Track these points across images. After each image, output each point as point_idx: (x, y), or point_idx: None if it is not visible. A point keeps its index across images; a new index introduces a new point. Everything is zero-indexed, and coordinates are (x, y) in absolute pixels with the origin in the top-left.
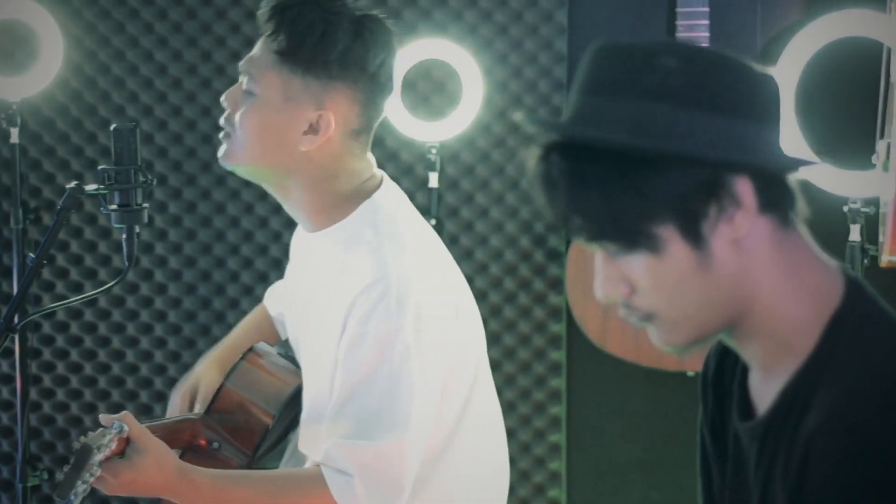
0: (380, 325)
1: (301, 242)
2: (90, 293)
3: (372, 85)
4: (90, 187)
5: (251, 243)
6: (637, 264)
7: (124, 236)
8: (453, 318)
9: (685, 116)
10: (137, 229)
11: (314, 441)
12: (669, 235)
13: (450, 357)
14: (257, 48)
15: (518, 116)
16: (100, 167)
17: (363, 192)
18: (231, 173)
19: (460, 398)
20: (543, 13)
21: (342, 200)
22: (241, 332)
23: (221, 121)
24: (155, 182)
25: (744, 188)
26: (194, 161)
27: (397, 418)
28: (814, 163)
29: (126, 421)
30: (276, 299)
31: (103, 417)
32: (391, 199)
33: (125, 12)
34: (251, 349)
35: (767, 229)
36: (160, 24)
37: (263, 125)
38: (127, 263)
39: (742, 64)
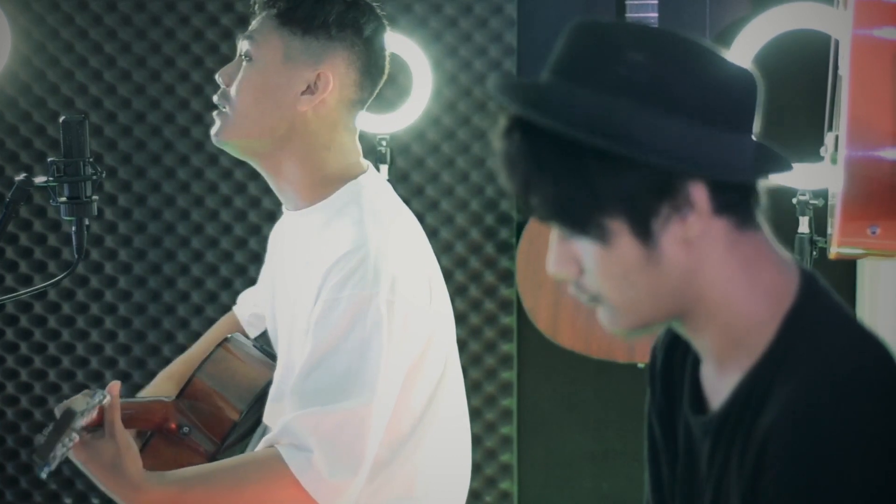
0: (354, 292)
1: (282, 228)
2: (40, 286)
3: (368, 52)
4: (39, 179)
5: (201, 236)
6: (586, 249)
7: (74, 229)
8: (426, 301)
9: (644, 116)
10: (87, 222)
11: (280, 413)
12: (618, 229)
13: (420, 339)
14: (255, 19)
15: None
16: (49, 159)
17: (349, 174)
18: (181, 165)
19: (430, 384)
20: (493, 6)
21: (330, 178)
22: (202, 347)
23: (215, 98)
24: (104, 174)
25: (698, 192)
26: (144, 153)
27: (363, 384)
28: (769, 174)
29: (112, 393)
30: (247, 302)
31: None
32: (376, 183)
33: (74, 4)
34: (227, 339)
35: (722, 230)
36: (109, 15)
37: (262, 87)
38: (77, 256)
39: (718, 63)
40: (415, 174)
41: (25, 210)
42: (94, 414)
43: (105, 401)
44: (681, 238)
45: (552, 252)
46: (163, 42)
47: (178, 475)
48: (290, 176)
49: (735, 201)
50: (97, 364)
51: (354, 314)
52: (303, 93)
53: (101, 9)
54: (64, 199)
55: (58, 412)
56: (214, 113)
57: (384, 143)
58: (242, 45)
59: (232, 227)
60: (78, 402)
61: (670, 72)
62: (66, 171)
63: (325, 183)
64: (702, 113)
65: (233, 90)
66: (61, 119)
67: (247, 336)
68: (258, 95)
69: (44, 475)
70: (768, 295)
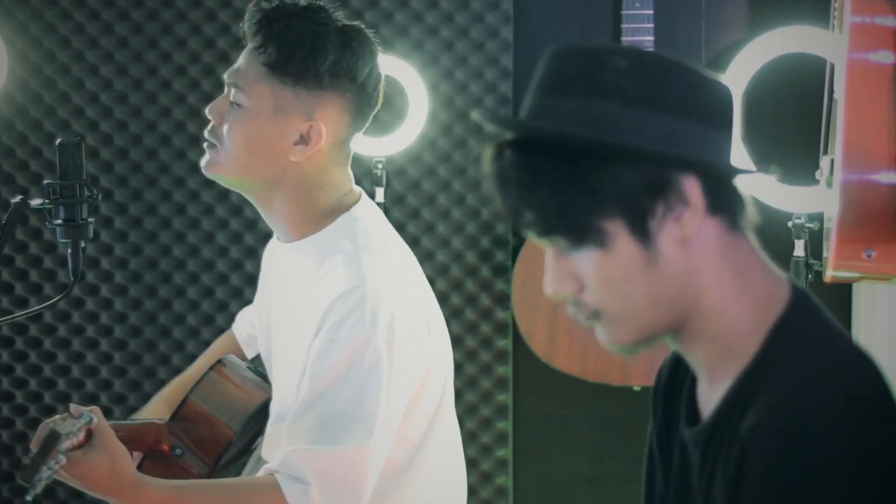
0: (352, 332)
1: (274, 254)
2: (35, 308)
3: (361, 95)
4: (35, 202)
5: (197, 258)
6: (585, 259)
7: (69, 251)
8: (425, 334)
9: (633, 114)
10: (83, 244)
11: (276, 446)
12: (617, 230)
13: (419, 372)
14: (243, 60)
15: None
16: (45, 182)
17: (342, 206)
18: (177, 188)
19: (427, 415)
20: (489, 29)
21: (322, 213)
22: (198, 368)
23: (206, 133)
24: (100, 197)
25: (691, 188)
26: (140, 176)
27: (360, 425)
28: (760, 171)
29: (95, 414)
30: (246, 320)
31: (73, 407)
32: (369, 213)
33: (71, 27)
34: (220, 361)
35: (715, 231)
36: (106, 38)
37: (253, 137)
38: (72, 278)
39: (694, 70)
40: (410, 197)
41: (21, 232)
42: (80, 436)
43: (93, 423)
44: (677, 238)
45: (549, 272)
46: (159, 65)
47: (177, 482)
48: (280, 212)
49: (727, 201)
50: (92, 386)
51: (352, 356)
52: (295, 143)
53: (97, 31)
54: (60, 221)
55: (40, 433)
56: (205, 145)
57: (380, 165)
58: (229, 90)
59: (228, 249)
60: (63, 424)
61: (654, 74)
62: (62, 194)
63: (317, 218)
64: (687, 111)
65: (224, 131)
66: (57, 141)
67: (244, 356)
68: (250, 144)
69: (29, 498)
70: (758, 303)
